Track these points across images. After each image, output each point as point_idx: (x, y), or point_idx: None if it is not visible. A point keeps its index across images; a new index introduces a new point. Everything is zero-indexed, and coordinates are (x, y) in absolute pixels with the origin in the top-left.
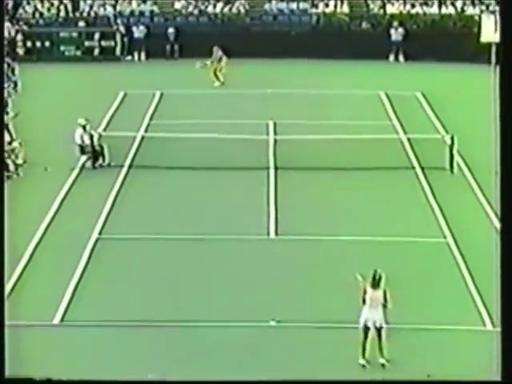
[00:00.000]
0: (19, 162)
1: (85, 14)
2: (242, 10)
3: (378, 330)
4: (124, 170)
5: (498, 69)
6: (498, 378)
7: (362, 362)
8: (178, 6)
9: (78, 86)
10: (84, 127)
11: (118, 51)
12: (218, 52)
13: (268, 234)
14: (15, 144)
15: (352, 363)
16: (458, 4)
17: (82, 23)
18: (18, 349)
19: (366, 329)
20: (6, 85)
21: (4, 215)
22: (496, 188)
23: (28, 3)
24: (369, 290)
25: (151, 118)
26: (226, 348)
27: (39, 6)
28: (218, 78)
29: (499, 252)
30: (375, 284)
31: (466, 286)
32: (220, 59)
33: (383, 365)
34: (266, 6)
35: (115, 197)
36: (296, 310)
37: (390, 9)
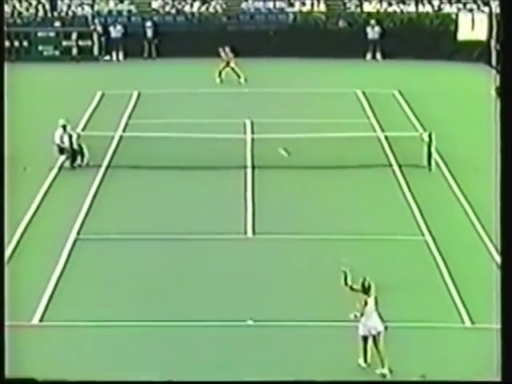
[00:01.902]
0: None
1: (63, 14)
2: (219, 9)
3: (374, 338)
4: (102, 169)
5: (498, 68)
6: (497, 378)
7: (364, 364)
8: (155, 5)
9: (57, 86)
10: (64, 128)
11: (95, 51)
12: (229, 54)
13: (245, 232)
14: None
15: (328, 361)
16: (435, 2)
17: (59, 23)
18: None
19: (365, 338)
20: None
21: (4, 215)
22: (496, 188)
23: (6, 2)
24: (368, 300)
25: (129, 118)
26: (202, 347)
27: (17, 5)
28: (220, 76)
29: (491, 250)
30: (366, 292)
31: (445, 284)
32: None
33: (384, 375)
34: (243, 5)
35: (93, 197)
36: (273, 309)
37: (367, 7)
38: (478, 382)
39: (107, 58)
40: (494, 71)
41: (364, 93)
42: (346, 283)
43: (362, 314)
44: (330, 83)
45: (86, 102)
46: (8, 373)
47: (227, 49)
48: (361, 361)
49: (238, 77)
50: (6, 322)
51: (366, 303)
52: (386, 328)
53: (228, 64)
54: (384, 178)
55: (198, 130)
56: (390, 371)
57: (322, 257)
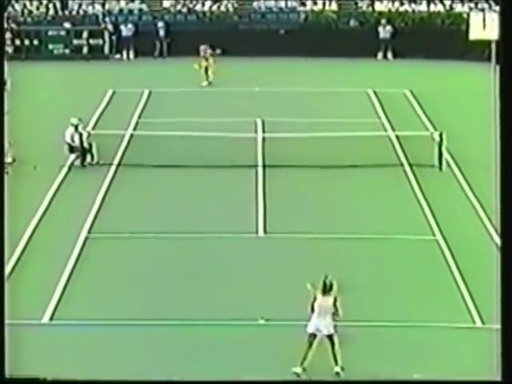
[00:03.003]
0: (8, 160)
1: (73, 13)
2: (231, 8)
3: (330, 338)
4: (113, 168)
5: (497, 68)
6: (497, 378)
7: (297, 370)
8: (166, 4)
9: (67, 85)
10: (76, 127)
11: (106, 49)
12: (205, 51)
13: (257, 232)
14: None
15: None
16: (447, 2)
17: (70, 22)
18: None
19: (313, 337)
20: None
21: (4, 215)
22: (496, 189)
23: (17, 1)
24: (318, 296)
25: (140, 117)
26: (214, 346)
27: (28, 4)
28: (207, 77)
29: (499, 251)
30: (326, 291)
31: (456, 284)
32: (207, 57)
33: (338, 373)
34: (255, 4)
35: (104, 195)
36: (284, 309)
37: (379, 6)
38: (478, 381)
39: (118, 56)
40: None
41: (375, 92)
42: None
43: (312, 309)
44: (341, 83)
45: (96, 100)
46: (10, 372)
47: (203, 46)
48: (298, 365)
49: (206, 77)
50: (12, 321)
51: (314, 299)
52: (330, 336)
53: (206, 61)
54: (395, 177)
55: (208, 129)
56: (342, 369)
57: (333, 256)
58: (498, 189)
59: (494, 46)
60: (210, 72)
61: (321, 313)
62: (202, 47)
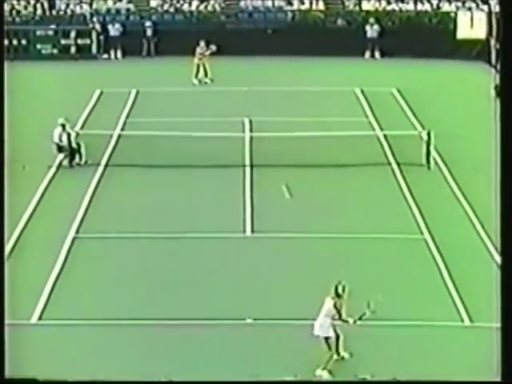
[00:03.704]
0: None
1: (61, 12)
2: (218, 8)
3: (326, 339)
4: (101, 168)
5: (497, 67)
6: (497, 378)
7: (337, 356)
8: (153, 3)
9: (55, 85)
10: (63, 126)
11: (94, 49)
12: (204, 48)
13: (244, 231)
14: None
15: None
16: (434, 1)
17: (58, 21)
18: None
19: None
20: None
21: (4, 215)
22: (496, 186)
23: (5, 1)
24: (327, 299)
25: (128, 116)
26: (201, 346)
27: (16, 3)
28: (196, 76)
29: (499, 251)
30: (340, 295)
31: (444, 282)
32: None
33: (343, 357)
34: (242, 4)
35: (92, 195)
36: (272, 308)
37: (366, 5)
38: (478, 382)
39: (106, 56)
40: (493, 69)
41: (363, 91)
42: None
43: (340, 316)
44: (328, 82)
45: (84, 100)
46: (7, 372)
47: (202, 43)
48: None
49: (206, 75)
50: (6, 321)
51: (322, 303)
52: (337, 337)
53: (201, 59)
54: (383, 176)
55: (196, 129)
56: (351, 355)
57: (320, 255)
58: (496, 188)
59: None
60: (207, 69)
61: (321, 313)
62: (201, 44)
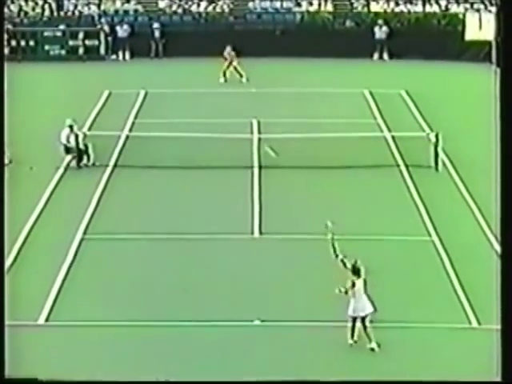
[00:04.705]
0: (5, 161)
1: (69, 13)
2: (226, 9)
3: (363, 319)
4: (108, 169)
5: (494, 68)
6: (497, 378)
7: (350, 341)
8: (161, 4)
9: (63, 86)
10: (71, 128)
11: (102, 50)
12: (231, 53)
13: (252, 232)
14: None
15: (337, 361)
16: (442, 2)
17: (66, 22)
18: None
19: (355, 318)
20: None
21: (4, 215)
22: (492, 189)
23: (12, 2)
24: (357, 281)
25: (136, 117)
26: (210, 347)
27: (24, 4)
28: (225, 75)
29: (494, 251)
30: (358, 274)
31: (452, 284)
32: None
33: (373, 349)
34: (250, 5)
35: (100, 196)
36: (280, 309)
37: (374, 7)
38: (478, 382)
39: (114, 57)
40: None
41: (371, 93)
42: (335, 254)
43: (350, 295)
44: (336, 83)
45: (92, 101)
46: (8, 372)
47: (229, 48)
48: (349, 339)
49: (240, 76)
50: (9, 322)
51: (353, 284)
52: (375, 310)
53: (231, 63)
54: (391, 178)
55: (204, 130)
56: (378, 345)
57: (328, 257)
58: (497, 189)
59: (493, 46)
60: (239, 69)
61: (356, 295)
62: (225, 49)
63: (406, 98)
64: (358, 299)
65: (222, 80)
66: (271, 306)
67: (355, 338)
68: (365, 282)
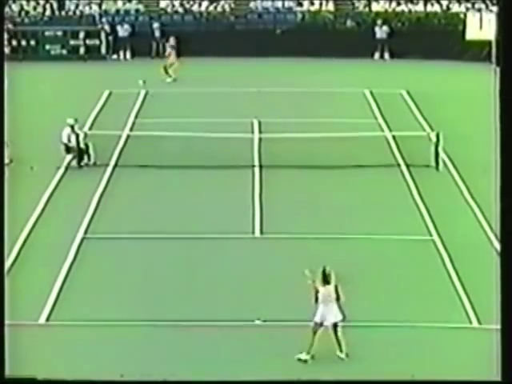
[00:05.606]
0: (5, 161)
1: (70, 13)
2: (227, 9)
3: (334, 326)
4: (109, 169)
5: (494, 67)
6: (497, 378)
7: (303, 357)
8: (162, 4)
9: (64, 85)
10: (72, 127)
11: (103, 50)
12: (167, 49)
13: (253, 232)
14: None
15: (337, 361)
16: (444, 2)
17: (66, 22)
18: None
19: (319, 326)
20: None
21: (4, 215)
22: (493, 189)
23: (14, 1)
24: (320, 288)
25: (136, 117)
26: (211, 347)
27: (25, 4)
28: (168, 74)
29: (495, 250)
30: (326, 281)
31: (452, 284)
32: (169, 55)
33: (341, 358)
34: (251, 5)
35: (100, 196)
36: (281, 309)
37: (375, 7)
38: (478, 381)
39: (115, 56)
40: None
41: (372, 92)
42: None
43: (316, 300)
44: (337, 83)
45: (93, 100)
46: (9, 372)
47: (172, 40)
48: (304, 354)
49: (168, 75)
50: (11, 321)
51: (316, 291)
52: (343, 318)
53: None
54: (392, 177)
55: (205, 129)
56: (347, 355)
57: (330, 256)
58: (497, 188)
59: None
60: (172, 68)
61: (326, 302)
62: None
63: (406, 97)
64: (324, 305)
65: (168, 80)
66: (272, 306)
67: (313, 351)
68: (336, 288)
